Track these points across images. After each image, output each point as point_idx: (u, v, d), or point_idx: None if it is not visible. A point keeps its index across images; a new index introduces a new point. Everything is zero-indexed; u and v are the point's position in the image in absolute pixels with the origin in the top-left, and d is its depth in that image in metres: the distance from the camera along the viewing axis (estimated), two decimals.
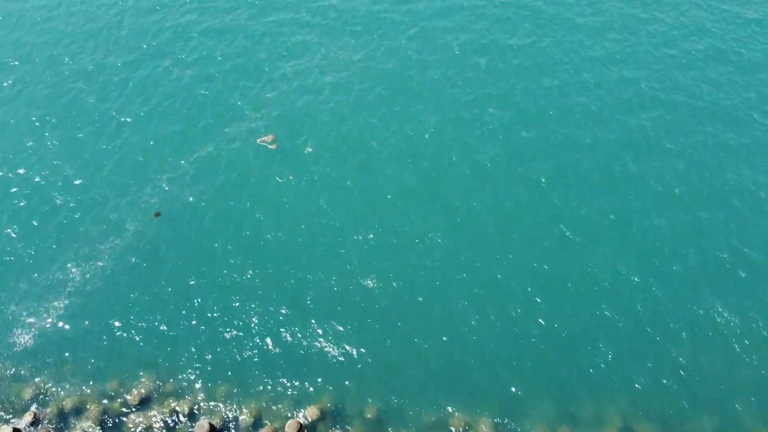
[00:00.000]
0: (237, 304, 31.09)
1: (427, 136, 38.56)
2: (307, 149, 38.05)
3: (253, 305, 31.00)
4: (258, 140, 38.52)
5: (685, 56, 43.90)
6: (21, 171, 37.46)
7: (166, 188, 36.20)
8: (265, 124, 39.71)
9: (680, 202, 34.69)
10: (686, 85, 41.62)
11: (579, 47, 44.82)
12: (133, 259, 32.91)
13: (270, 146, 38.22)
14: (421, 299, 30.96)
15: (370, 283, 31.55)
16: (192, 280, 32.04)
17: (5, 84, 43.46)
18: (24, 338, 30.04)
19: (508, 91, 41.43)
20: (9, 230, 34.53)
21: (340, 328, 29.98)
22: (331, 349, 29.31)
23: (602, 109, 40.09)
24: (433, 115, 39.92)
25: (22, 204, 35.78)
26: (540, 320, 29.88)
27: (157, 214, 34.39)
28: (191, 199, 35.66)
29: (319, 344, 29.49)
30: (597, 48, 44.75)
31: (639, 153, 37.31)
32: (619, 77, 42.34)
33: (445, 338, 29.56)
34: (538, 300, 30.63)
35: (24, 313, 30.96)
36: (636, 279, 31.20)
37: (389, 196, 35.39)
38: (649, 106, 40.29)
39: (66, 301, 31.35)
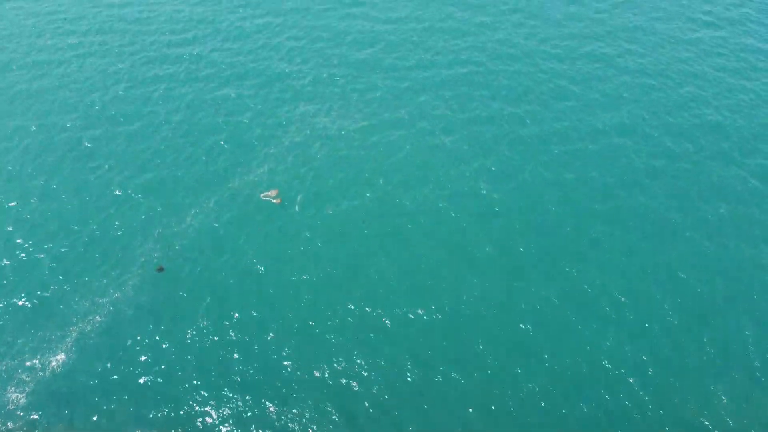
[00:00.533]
0: (236, 356, 30.63)
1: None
2: (300, 202, 38.61)
3: (254, 365, 30.57)
4: (262, 195, 38.98)
5: None
6: (25, 217, 37.77)
7: (168, 243, 36.26)
8: (268, 180, 40.30)
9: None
10: None
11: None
12: (132, 314, 32.55)
13: (274, 201, 38.66)
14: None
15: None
16: (189, 336, 31.66)
17: None
18: (17, 395, 29.24)
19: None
20: (5, 281, 34.32)
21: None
22: None
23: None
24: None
25: (22, 257, 35.68)
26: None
27: (161, 269, 34.26)
28: (193, 252, 35.69)
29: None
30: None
31: None
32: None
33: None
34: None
35: (19, 369, 30.27)
36: None
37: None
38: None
39: (62, 356, 30.74)
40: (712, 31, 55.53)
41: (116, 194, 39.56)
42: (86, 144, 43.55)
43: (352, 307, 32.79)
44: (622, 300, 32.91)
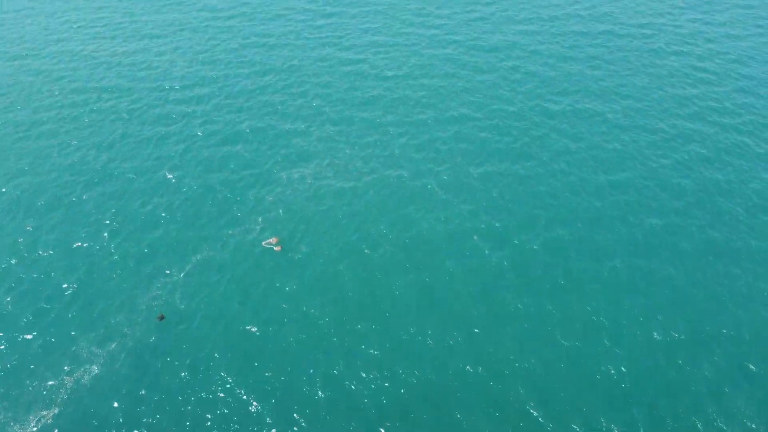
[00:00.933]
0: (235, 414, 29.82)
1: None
2: (302, 251, 38.50)
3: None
4: (263, 243, 38.96)
5: None
6: (29, 265, 37.38)
7: (169, 291, 35.91)
8: (269, 227, 40.34)
9: None
10: None
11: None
12: (129, 364, 31.84)
13: (275, 248, 38.61)
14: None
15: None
16: (187, 391, 30.90)
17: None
18: None
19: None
20: (2, 334, 33.70)
21: None
22: None
23: None
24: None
25: (21, 304, 35.19)
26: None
27: (161, 317, 33.77)
28: (193, 301, 35.29)
29: None
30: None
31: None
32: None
33: None
34: None
35: (12, 422, 29.33)
36: None
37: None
38: None
39: (56, 410, 29.86)
40: (709, 87, 57.34)
41: (112, 244, 39.50)
42: (83, 197, 43.80)
43: (336, 372, 31.63)
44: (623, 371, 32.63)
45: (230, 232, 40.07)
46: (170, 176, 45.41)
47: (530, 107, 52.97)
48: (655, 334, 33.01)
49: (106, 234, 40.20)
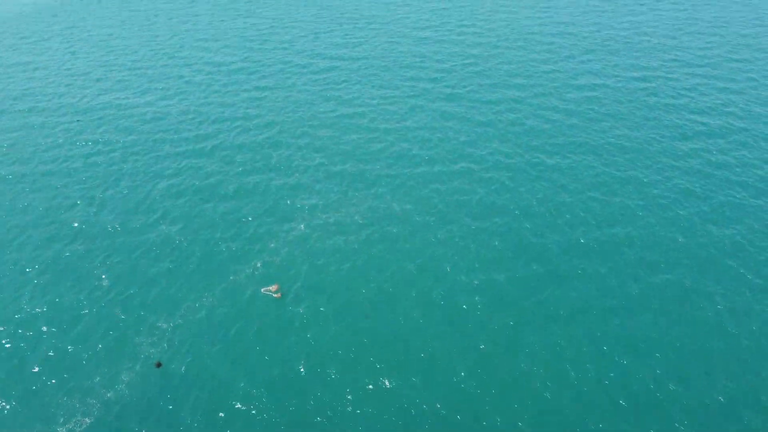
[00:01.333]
0: None
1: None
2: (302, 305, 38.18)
3: None
4: (263, 290, 38.69)
5: None
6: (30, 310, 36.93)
7: (166, 339, 35.36)
8: (267, 274, 40.14)
9: None
10: None
11: None
12: (124, 415, 30.98)
13: (274, 295, 38.31)
14: None
15: None
16: None
17: None
18: None
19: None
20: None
21: None
22: None
23: None
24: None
25: (8, 347, 34.57)
26: None
27: (159, 365, 33.10)
28: (192, 348, 34.71)
29: None
30: None
31: None
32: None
33: None
34: None
35: None
36: None
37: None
38: None
39: None
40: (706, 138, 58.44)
41: (109, 287, 39.22)
42: (79, 244, 43.90)
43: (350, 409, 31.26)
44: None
45: (230, 276, 39.83)
46: (165, 228, 45.49)
47: (528, 161, 53.21)
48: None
49: (96, 284, 39.98)
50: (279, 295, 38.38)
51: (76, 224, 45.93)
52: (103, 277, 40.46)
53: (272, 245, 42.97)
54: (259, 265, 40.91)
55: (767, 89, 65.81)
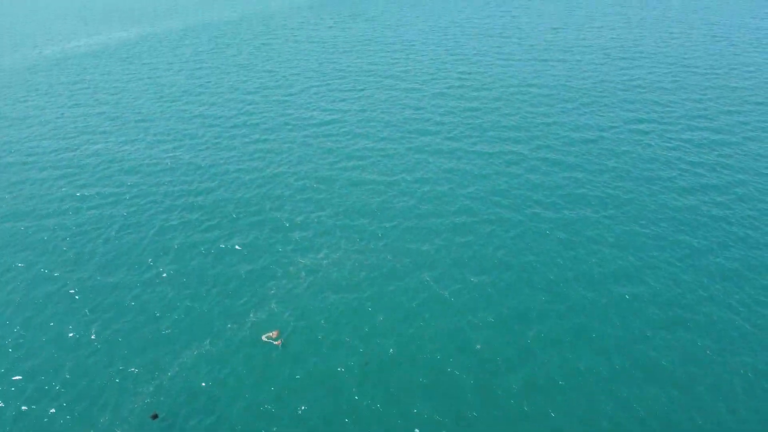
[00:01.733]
0: None
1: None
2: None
3: None
4: (263, 337, 38.05)
5: None
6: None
7: (165, 386, 34.42)
8: (263, 326, 39.45)
9: None
10: None
11: None
12: None
13: (275, 342, 37.64)
14: None
15: None
16: None
17: None
18: None
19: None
20: None
21: None
22: None
23: None
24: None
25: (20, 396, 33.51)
26: None
27: (155, 416, 32.03)
28: (190, 396, 33.75)
29: None
30: None
31: None
32: None
33: None
34: None
35: None
36: None
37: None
38: None
39: None
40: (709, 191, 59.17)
41: (98, 341, 38.49)
42: (72, 292, 43.45)
43: None
44: None
45: (228, 324, 39.21)
46: (164, 274, 45.21)
47: (528, 215, 53.20)
48: None
49: (93, 329, 39.34)
50: (280, 342, 37.71)
51: (69, 268, 45.52)
52: (94, 317, 39.75)
53: (271, 291, 42.59)
54: (253, 318, 40.18)
55: None
